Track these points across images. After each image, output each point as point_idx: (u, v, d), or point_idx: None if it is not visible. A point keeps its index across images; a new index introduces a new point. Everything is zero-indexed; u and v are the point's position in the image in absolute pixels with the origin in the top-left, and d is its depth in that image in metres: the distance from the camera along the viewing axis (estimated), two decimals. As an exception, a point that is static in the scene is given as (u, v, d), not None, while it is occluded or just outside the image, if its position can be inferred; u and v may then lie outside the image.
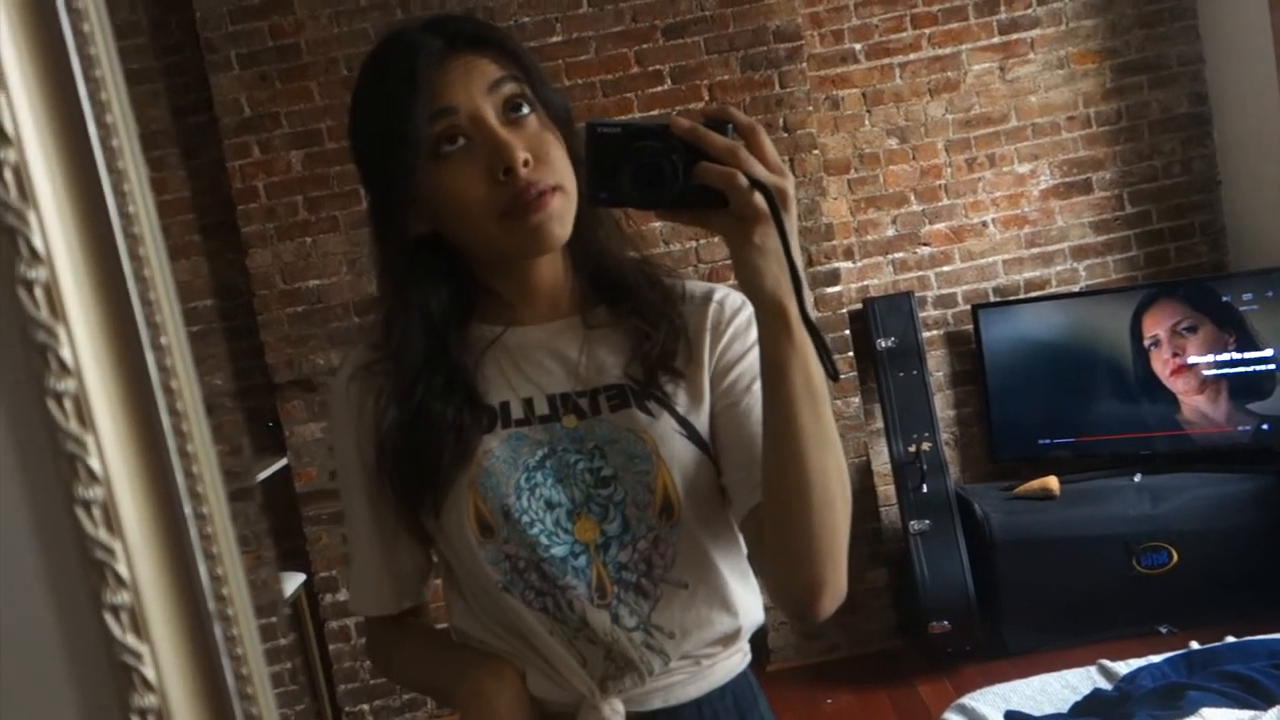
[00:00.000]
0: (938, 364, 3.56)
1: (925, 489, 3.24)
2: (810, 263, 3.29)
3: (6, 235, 0.39)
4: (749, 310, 0.97)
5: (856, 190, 3.53)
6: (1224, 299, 3.21)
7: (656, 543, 0.95)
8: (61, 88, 0.40)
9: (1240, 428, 3.19)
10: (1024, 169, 3.54)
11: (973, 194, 3.54)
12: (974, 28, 3.50)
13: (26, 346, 0.40)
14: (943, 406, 3.56)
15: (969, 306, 3.51)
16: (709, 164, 0.78)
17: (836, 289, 3.34)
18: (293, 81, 3.19)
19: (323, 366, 3.22)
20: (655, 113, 3.22)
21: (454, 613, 1.03)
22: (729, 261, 0.83)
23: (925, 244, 3.55)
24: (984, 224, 3.55)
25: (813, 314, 0.83)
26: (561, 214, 0.90)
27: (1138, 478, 3.20)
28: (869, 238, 3.54)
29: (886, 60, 3.50)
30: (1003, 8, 3.50)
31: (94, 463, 0.41)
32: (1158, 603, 3.03)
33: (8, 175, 0.39)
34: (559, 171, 0.90)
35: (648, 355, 0.96)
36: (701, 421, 0.97)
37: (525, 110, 0.91)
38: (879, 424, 3.46)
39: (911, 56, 3.50)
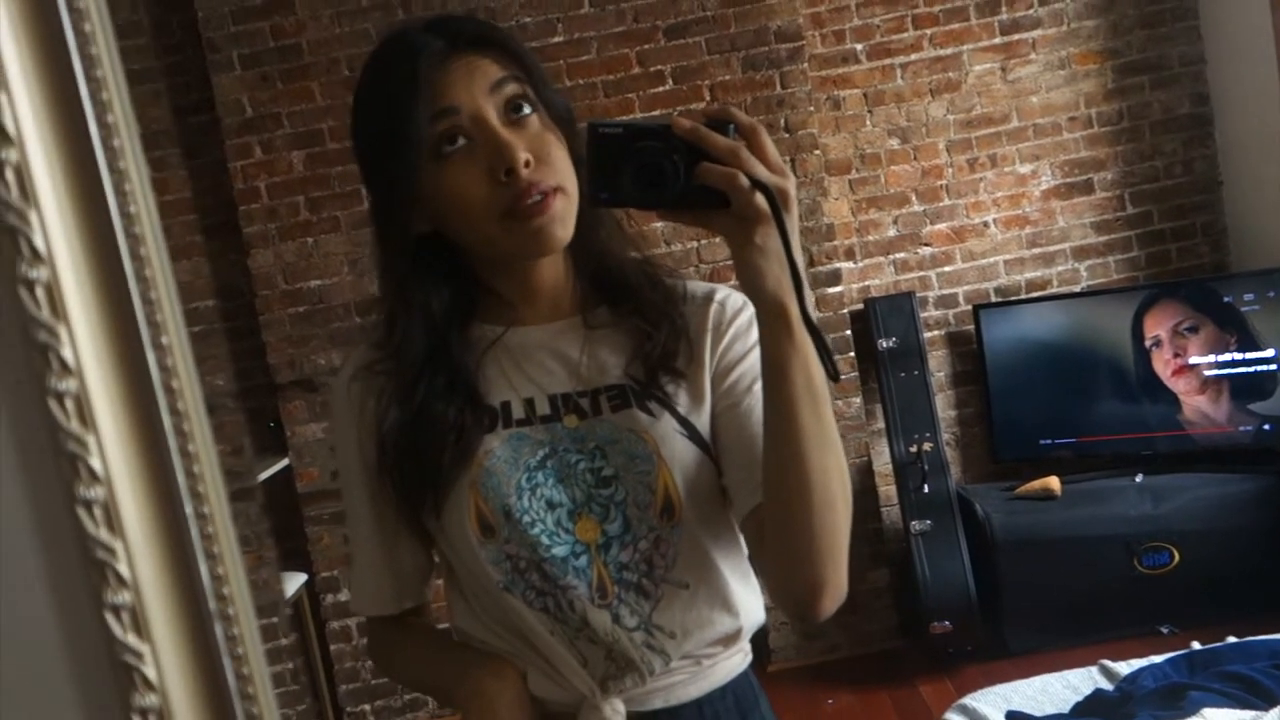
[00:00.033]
0: (939, 364, 3.56)
1: (926, 489, 3.24)
2: (811, 263, 3.29)
3: (8, 235, 0.39)
4: (750, 311, 0.97)
5: (858, 190, 3.53)
6: (1225, 299, 3.20)
7: (657, 543, 0.95)
8: (63, 87, 0.40)
9: (1241, 428, 3.19)
10: (1025, 169, 3.54)
11: (974, 194, 3.54)
12: (975, 28, 3.50)
13: (28, 346, 0.40)
14: (944, 407, 3.55)
15: (970, 307, 3.50)
16: (710, 164, 0.78)
17: (838, 289, 3.34)
18: (294, 82, 3.19)
19: (324, 367, 3.23)
20: (657, 113, 3.22)
21: (455, 613, 1.03)
22: (730, 262, 0.83)
23: (926, 244, 3.55)
24: (985, 224, 3.55)
25: (814, 314, 0.83)
26: (563, 216, 0.90)
27: (1139, 478, 3.20)
28: (870, 238, 3.54)
29: (888, 60, 3.50)
30: (1004, 8, 3.50)
31: (95, 462, 0.41)
32: (1159, 603, 3.02)
33: (9, 175, 0.39)
34: (560, 172, 0.90)
35: (649, 355, 0.96)
36: (702, 422, 0.97)
37: (527, 110, 0.91)
38: (880, 424, 3.45)
39: (913, 57, 3.50)
